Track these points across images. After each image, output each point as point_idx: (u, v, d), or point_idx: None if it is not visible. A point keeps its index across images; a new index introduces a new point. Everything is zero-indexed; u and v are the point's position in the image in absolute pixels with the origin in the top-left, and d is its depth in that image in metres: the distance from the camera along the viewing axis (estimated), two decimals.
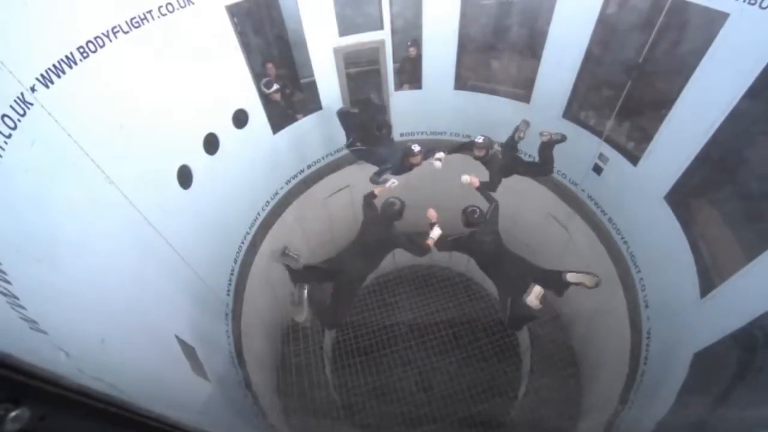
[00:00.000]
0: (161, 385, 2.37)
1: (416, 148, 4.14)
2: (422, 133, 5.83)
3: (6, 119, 1.85)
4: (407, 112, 5.54)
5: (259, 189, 4.81)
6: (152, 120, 3.01)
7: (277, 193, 5.10)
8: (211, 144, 3.79)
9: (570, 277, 3.44)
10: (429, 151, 4.34)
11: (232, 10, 3.68)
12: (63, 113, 2.19)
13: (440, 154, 4.29)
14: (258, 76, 4.34)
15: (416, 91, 5.39)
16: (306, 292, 3.58)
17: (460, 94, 5.35)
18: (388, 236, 3.56)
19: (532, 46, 4.69)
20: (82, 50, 2.37)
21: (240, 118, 4.16)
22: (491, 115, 5.36)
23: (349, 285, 3.70)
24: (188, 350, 2.97)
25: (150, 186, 2.98)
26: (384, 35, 4.74)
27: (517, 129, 4.42)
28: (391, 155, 4.42)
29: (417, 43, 5.00)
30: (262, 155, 4.60)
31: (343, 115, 4.64)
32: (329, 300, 3.79)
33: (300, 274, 3.81)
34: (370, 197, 3.86)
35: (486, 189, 4.09)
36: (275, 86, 4.51)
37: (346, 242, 6.68)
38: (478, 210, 3.66)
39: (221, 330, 3.93)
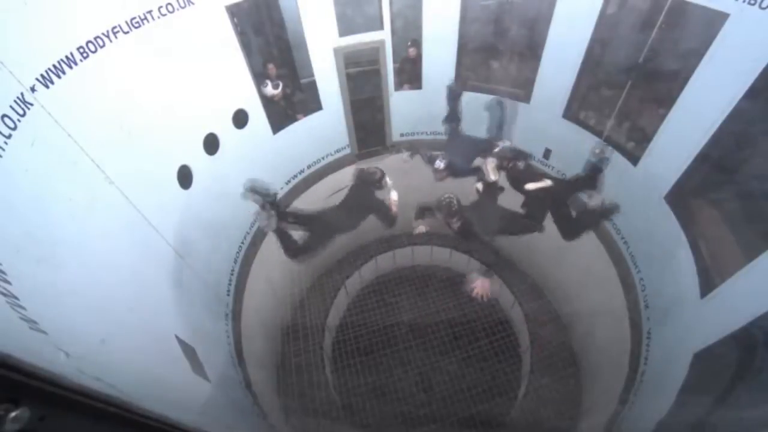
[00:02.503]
0: (161, 385, 2.37)
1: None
2: (422, 133, 5.83)
3: (6, 119, 1.85)
4: (407, 112, 5.55)
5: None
6: (152, 120, 3.01)
7: (277, 194, 5.10)
8: (211, 144, 3.79)
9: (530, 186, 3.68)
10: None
11: (232, 10, 3.68)
12: (63, 113, 2.19)
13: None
14: (258, 76, 4.34)
15: (416, 91, 5.39)
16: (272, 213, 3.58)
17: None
18: (368, 200, 3.81)
19: (532, 46, 4.68)
20: (82, 50, 2.37)
21: (240, 118, 4.16)
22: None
23: (321, 233, 3.81)
24: (188, 350, 2.97)
25: (150, 186, 2.98)
26: (384, 35, 4.74)
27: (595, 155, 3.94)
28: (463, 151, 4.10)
29: (417, 43, 5.00)
30: (262, 155, 4.60)
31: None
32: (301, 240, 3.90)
33: (278, 213, 3.78)
34: (362, 174, 3.90)
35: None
36: (279, 85, 4.51)
37: (345, 241, 6.70)
38: (454, 199, 3.42)
39: (221, 330, 3.93)
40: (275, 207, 3.69)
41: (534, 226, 3.87)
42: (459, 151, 4.22)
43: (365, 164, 5.75)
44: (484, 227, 3.57)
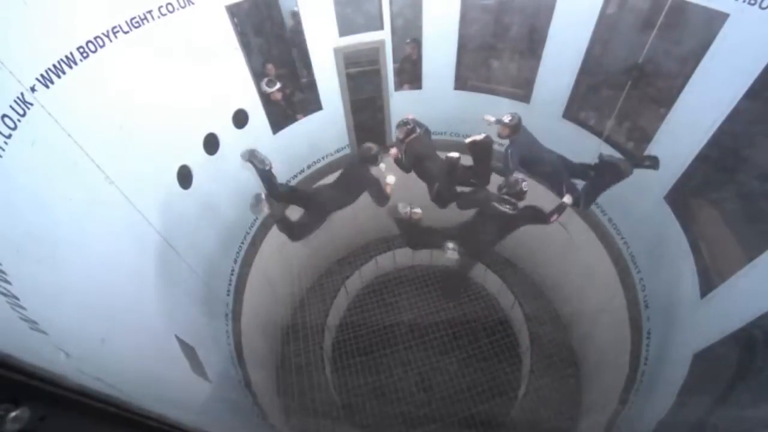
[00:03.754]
0: (161, 385, 2.37)
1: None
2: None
3: (6, 119, 1.85)
4: (407, 112, 5.52)
5: (259, 189, 4.80)
6: (152, 120, 3.01)
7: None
8: (211, 144, 3.79)
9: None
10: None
11: (232, 10, 3.69)
12: (63, 113, 2.19)
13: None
14: (258, 76, 4.35)
15: (416, 91, 5.39)
16: (263, 196, 3.58)
17: (460, 94, 5.34)
18: (364, 176, 3.81)
19: (532, 46, 4.68)
20: (82, 50, 2.37)
21: (240, 118, 4.16)
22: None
23: (318, 212, 3.86)
24: (188, 350, 2.97)
25: (150, 186, 2.98)
26: (384, 35, 4.73)
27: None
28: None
29: (417, 42, 5.00)
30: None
31: None
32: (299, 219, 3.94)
33: (275, 193, 3.80)
34: (360, 150, 3.90)
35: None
36: (277, 85, 4.51)
37: (345, 242, 6.70)
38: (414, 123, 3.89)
39: (221, 330, 3.93)
40: (270, 178, 3.68)
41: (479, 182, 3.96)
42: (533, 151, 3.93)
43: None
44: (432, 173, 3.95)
